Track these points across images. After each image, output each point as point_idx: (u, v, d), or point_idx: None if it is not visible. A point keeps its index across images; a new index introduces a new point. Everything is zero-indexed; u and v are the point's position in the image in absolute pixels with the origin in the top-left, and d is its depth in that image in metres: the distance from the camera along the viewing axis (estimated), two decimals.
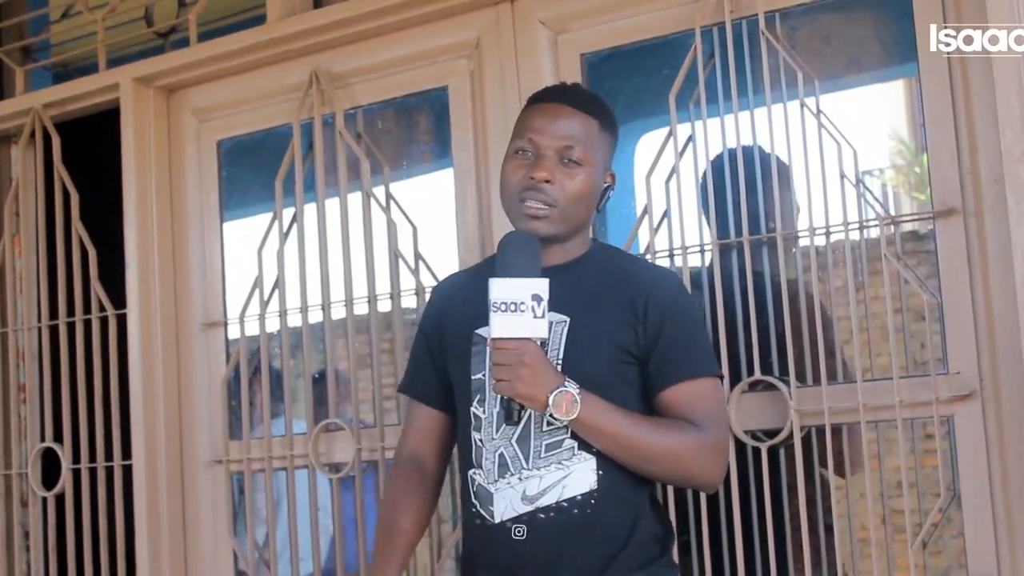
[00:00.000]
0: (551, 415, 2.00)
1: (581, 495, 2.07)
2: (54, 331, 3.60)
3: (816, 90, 2.68)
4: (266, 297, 3.30)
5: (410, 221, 3.16)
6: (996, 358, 2.49)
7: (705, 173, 2.79)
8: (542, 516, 2.07)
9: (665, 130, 2.80)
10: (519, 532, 2.07)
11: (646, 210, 2.80)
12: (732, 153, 2.73)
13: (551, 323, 2.04)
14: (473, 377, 2.17)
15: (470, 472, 2.16)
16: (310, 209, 3.26)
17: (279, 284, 3.28)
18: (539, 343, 2.00)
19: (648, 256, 2.79)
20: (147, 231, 3.45)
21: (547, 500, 2.07)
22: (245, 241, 3.42)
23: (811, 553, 2.61)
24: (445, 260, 3.11)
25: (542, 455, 2.08)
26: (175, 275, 3.49)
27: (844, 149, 2.65)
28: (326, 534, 3.34)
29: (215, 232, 3.50)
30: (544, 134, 2.15)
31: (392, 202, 3.17)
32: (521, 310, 1.93)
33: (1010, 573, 2.47)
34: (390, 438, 3.10)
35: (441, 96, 3.17)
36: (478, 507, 2.14)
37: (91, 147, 3.65)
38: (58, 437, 3.56)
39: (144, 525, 3.35)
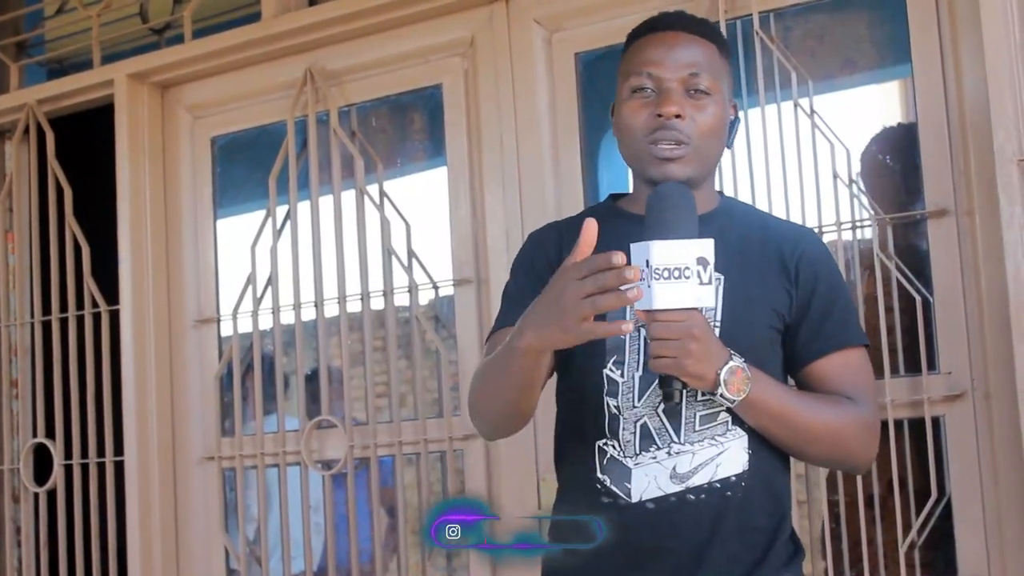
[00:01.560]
0: (721, 395, 1.72)
1: (735, 476, 1.80)
2: (47, 327, 3.60)
3: (810, 90, 2.69)
4: (259, 294, 3.30)
5: (404, 219, 3.16)
6: (987, 359, 2.49)
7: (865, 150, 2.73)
8: (692, 497, 1.79)
9: None
10: (664, 512, 1.80)
11: None
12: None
13: None
14: None
15: (599, 443, 1.85)
16: (304, 206, 3.26)
17: (272, 281, 3.27)
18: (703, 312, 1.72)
19: None
20: (140, 227, 3.45)
21: (699, 479, 1.79)
22: (239, 238, 3.42)
23: None
24: (438, 258, 3.11)
25: (696, 428, 1.80)
26: (168, 271, 3.49)
27: (837, 149, 2.66)
28: (318, 531, 3.33)
29: (209, 229, 3.50)
30: (665, 65, 1.86)
31: (386, 199, 3.17)
32: (686, 276, 1.64)
33: (1000, 573, 2.47)
34: (382, 435, 3.10)
35: (435, 94, 3.17)
36: (607, 483, 1.83)
37: (85, 143, 3.64)
38: (50, 433, 3.56)
39: (136, 521, 3.35)
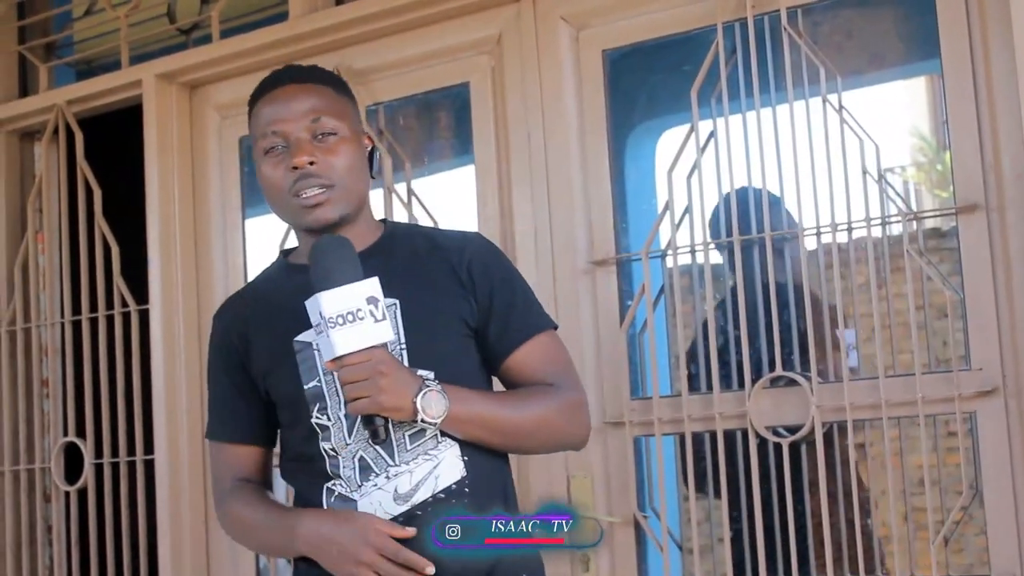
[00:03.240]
0: (422, 420, 1.82)
1: (455, 484, 1.89)
2: (77, 327, 3.62)
3: (838, 86, 2.68)
4: None
5: (431, 217, 3.16)
6: (1018, 354, 2.48)
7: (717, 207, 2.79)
8: (419, 513, 1.86)
9: (687, 126, 2.80)
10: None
11: (667, 206, 2.80)
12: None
13: None
14: (307, 387, 1.94)
15: (327, 486, 1.93)
16: None
17: None
18: (385, 347, 1.82)
19: (669, 252, 2.79)
20: (169, 227, 3.47)
21: (422, 495, 1.87)
22: (267, 237, 3.42)
23: (832, 550, 2.60)
24: None
25: (408, 447, 1.88)
26: (197, 271, 3.51)
27: (866, 145, 2.65)
28: None
29: (237, 228, 3.51)
30: (286, 120, 1.95)
31: (414, 198, 3.18)
32: (360, 318, 1.77)
33: None
34: None
35: (463, 92, 3.17)
36: None
37: (114, 143, 3.66)
38: (81, 432, 3.58)
39: (166, 519, 3.36)
